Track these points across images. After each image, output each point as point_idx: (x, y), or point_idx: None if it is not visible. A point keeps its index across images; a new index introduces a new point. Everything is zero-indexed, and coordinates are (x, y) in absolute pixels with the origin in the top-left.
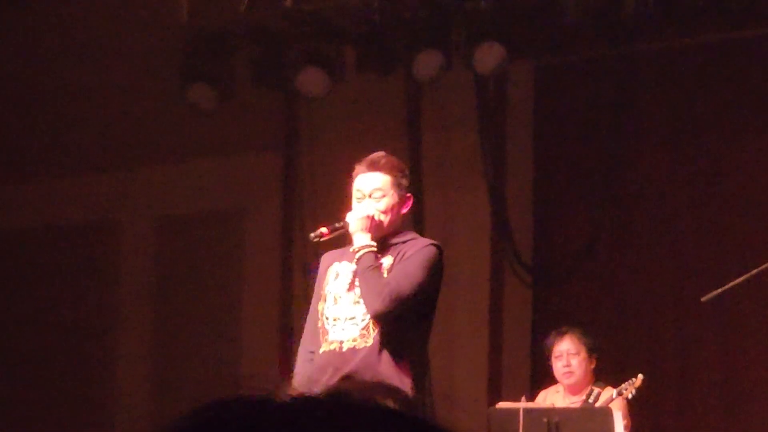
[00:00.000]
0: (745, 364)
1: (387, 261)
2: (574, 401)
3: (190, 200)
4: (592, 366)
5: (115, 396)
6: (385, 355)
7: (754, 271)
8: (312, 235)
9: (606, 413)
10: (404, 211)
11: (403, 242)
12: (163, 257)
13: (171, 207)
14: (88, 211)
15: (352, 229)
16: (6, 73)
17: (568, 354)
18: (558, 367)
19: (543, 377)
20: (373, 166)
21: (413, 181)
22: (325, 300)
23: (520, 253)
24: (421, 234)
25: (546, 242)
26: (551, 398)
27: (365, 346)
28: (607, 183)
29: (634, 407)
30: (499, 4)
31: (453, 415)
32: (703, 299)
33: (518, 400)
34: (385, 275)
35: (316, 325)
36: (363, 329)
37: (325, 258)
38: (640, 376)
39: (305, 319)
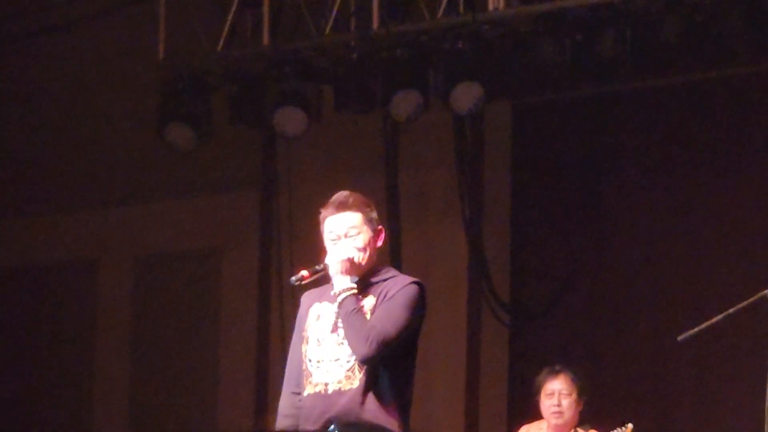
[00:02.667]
0: (721, 403)
1: (369, 302)
2: None
3: (168, 239)
4: (580, 408)
5: None
6: (371, 396)
7: (731, 310)
8: (293, 279)
9: None
10: (379, 244)
11: (384, 280)
12: (140, 296)
13: (148, 246)
14: (65, 250)
15: (332, 272)
16: None
17: (560, 394)
18: (547, 405)
19: (520, 415)
20: (342, 207)
21: (391, 220)
22: (307, 342)
23: (497, 291)
24: (399, 271)
25: (523, 280)
26: None
27: (351, 388)
28: (584, 221)
29: None
30: (477, 45)
31: None
32: (679, 338)
33: None
34: (369, 317)
35: (300, 367)
36: (348, 371)
37: (305, 298)
38: (630, 426)
39: (284, 358)
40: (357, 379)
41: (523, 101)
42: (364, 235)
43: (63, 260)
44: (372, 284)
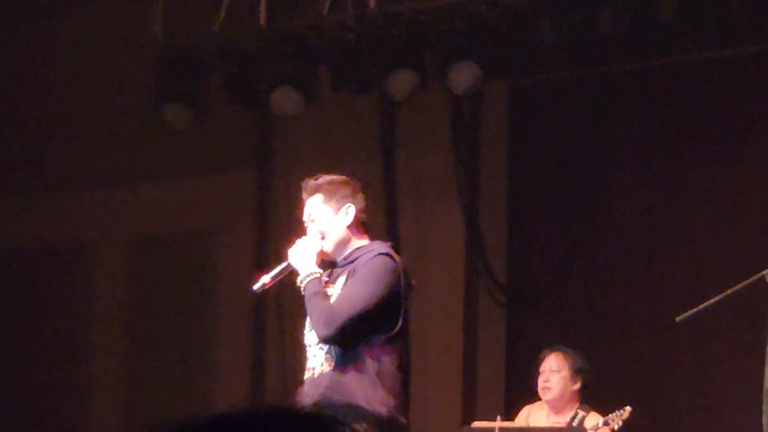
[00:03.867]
0: (719, 384)
1: (341, 281)
2: (558, 421)
3: (164, 220)
4: (576, 387)
5: (89, 417)
6: (353, 374)
7: (729, 291)
8: (255, 287)
9: None
10: (347, 223)
11: (359, 257)
12: (136, 276)
13: (144, 227)
14: (61, 231)
15: (294, 262)
16: None
17: (549, 370)
18: (539, 382)
19: (517, 396)
20: (305, 192)
21: (388, 200)
22: (305, 327)
23: (495, 273)
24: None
25: (520, 261)
26: (535, 414)
27: (329, 370)
28: (581, 202)
29: None
30: (474, 24)
31: None
32: (678, 319)
33: (493, 419)
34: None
35: (303, 353)
36: (327, 353)
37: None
38: (628, 409)
39: (281, 339)
40: (333, 361)
41: (521, 81)
42: (323, 216)
43: (58, 241)
44: (346, 262)
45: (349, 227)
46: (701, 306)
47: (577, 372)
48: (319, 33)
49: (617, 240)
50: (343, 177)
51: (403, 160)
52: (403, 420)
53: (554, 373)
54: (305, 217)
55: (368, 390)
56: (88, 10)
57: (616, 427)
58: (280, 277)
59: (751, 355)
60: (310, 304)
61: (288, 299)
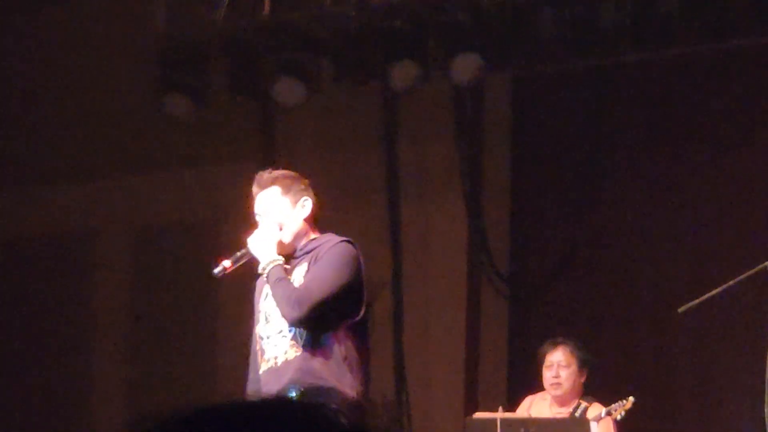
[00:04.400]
0: (720, 375)
1: (301, 270)
2: (560, 412)
3: (167, 210)
4: (582, 380)
5: (91, 406)
6: (318, 360)
7: (731, 282)
8: (215, 271)
9: (583, 425)
10: (305, 215)
11: (318, 246)
12: (139, 267)
13: (148, 216)
14: (65, 221)
15: (254, 251)
16: None
17: (558, 365)
18: (547, 377)
19: (520, 387)
20: (260, 185)
21: (390, 192)
22: (258, 321)
23: (497, 264)
24: (398, 245)
25: (523, 253)
26: (537, 405)
27: (296, 356)
28: (584, 194)
29: (622, 429)
30: (477, 16)
31: (430, 424)
32: (679, 310)
33: (495, 410)
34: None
35: (257, 347)
36: (292, 339)
37: (260, 281)
38: (631, 399)
39: None
40: (300, 346)
41: (523, 73)
42: (281, 208)
43: (62, 231)
44: (303, 253)
45: (305, 220)
46: (703, 297)
47: (583, 365)
48: (321, 24)
49: (620, 231)
50: (295, 173)
51: (405, 151)
52: (367, 405)
53: (564, 368)
54: (258, 210)
55: (337, 374)
56: (91, 1)
57: (618, 417)
58: (240, 263)
59: (753, 346)
60: (277, 289)
61: None
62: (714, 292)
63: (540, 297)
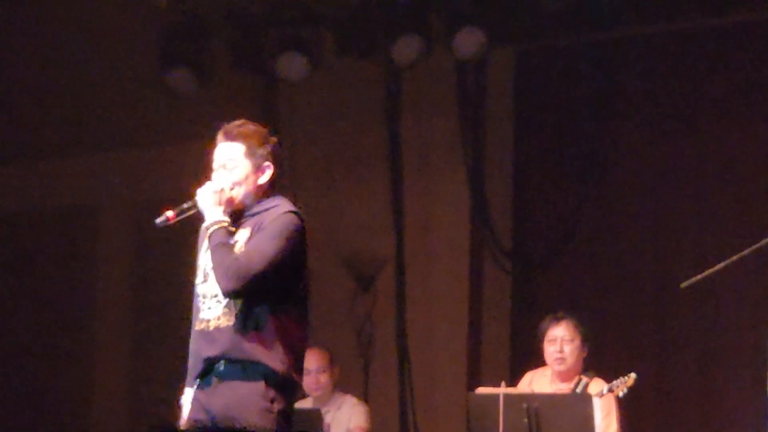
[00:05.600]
0: (723, 349)
1: (244, 234)
2: (561, 388)
3: (169, 185)
4: (584, 355)
5: (93, 380)
6: (254, 333)
7: (734, 257)
8: (157, 221)
9: (586, 400)
10: (262, 181)
11: (265, 210)
12: (141, 241)
13: (150, 191)
14: (66, 196)
15: (201, 205)
16: None
17: (562, 340)
18: (550, 351)
19: (522, 362)
20: (227, 136)
21: (393, 166)
22: (197, 276)
23: (500, 238)
24: (400, 219)
25: (525, 227)
26: (538, 380)
27: (228, 325)
28: (587, 168)
29: (624, 406)
30: None
31: (433, 399)
32: (682, 285)
33: (498, 385)
34: (243, 249)
35: (195, 302)
36: (225, 307)
37: (203, 229)
38: (633, 375)
39: None
40: (233, 316)
41: (526, 47)
42: (241, 169)
43: (64, 205)
44: (249, 216)
45: (261, 185)
46: (707, 272)
47: (585, 339)
48: None
49: (623, 205)
50: (264, 131)
51: (408, 125)
52: (296, 378)
53: (568, 342)
54: (219, 161)
55: (267, 347)
56: None
57: (620, 394)
58: (184, 216)
59: (756, 321)
60: (216, 255)
61: None
62: (717, 267)
63: (543, 272)
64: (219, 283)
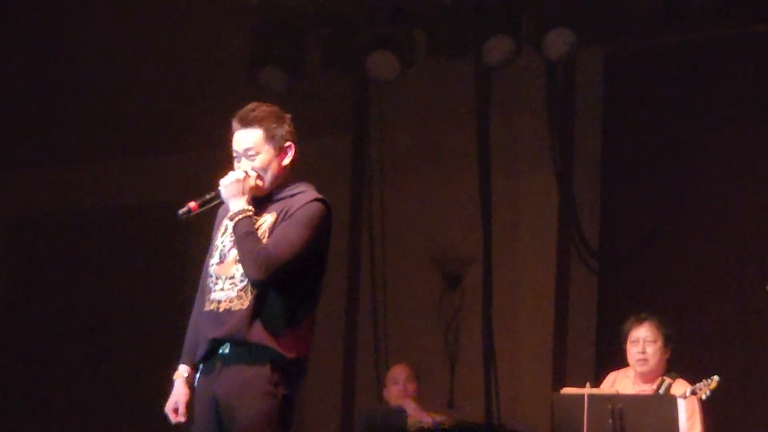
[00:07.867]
0: None
1: (269, 219)
2: (644, 389)
3: None
4: (667, 356)
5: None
6: (262, 320)
7: None
8: (180, 211)
9: (670, 402)
10: (285, 163)
11: (291, 196)
12: None
13: None
14: (158, 192)
15: (225, 195)
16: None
17: (644, 341)
18: (633, 352)
19: (608, 362)
20: (243, 122)
21: (482, 165)
22: (212, 255)
23: (587, 239)
24: (488, 218)
25: (613, 228)
26: (621, 381)
27: (240, 309)
28: (674, 170)
29: (708, 409)
30: None
31: (518, 399)
32: (767, 287)
33: (582, 385)
34: (267, 235)
35: (205, 281)
36: (240, 290)
37: (222, 210)
38: (716, 378)
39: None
40: (247, 300)
41: (615, 48)
42: (263, 155)
43: (156, 202)
44: (274, 201)
45: (285, 167)
46: None
47: (668, 341)
48: None
49: (708, 206)
50: (280, 111)
51: (497, 125)
52: (305, 364)
53: (650, 343)
54: (240, 149)
55: (279, 333)
56: None
57: (703, 397)
58: (208, 206)
59: None
60: (244, 244)
61: (380, 260)
62: None
63: (629, 272)
64: (247, 272)
